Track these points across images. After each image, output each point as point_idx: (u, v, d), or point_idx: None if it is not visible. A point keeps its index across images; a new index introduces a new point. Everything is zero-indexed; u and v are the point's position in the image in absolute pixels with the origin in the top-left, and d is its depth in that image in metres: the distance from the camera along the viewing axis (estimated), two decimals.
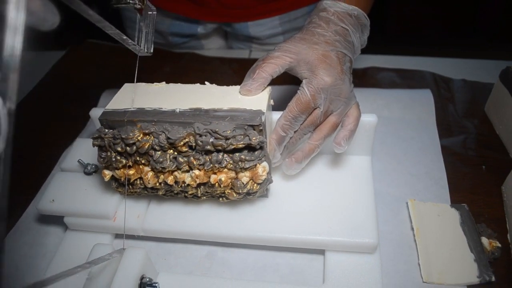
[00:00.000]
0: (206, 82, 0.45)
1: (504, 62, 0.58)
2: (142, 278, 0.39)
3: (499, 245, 0.43)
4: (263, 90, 0.42)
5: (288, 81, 0.64)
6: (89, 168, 0.48)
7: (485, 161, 0.53)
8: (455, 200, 0.48)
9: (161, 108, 0.41)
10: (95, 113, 0.52)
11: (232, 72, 0.72)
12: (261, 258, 0.45)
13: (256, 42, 0.78)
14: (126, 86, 0.46)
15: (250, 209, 0.44)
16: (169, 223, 0.45)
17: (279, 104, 0.49)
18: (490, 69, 0.61)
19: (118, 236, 0.47)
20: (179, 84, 0.46)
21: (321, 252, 0.44)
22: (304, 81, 0.41)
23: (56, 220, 0.49)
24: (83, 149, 0.51)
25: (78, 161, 0.49)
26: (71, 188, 0.47)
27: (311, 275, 0.43)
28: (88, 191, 0.47)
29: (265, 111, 0.40)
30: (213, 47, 0.83)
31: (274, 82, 0.66)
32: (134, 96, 0.43)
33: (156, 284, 0.39)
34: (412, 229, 0.46)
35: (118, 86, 0.45)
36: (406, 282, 0.42)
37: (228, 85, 0.44)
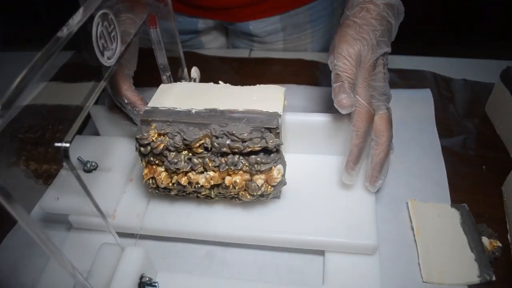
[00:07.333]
0: (220, 82, 0.44)
1: (504, 62, 0.58)
2: (141, 277, 0.38)
3: (500, 245, 0.43)
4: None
5: (301, 81, 0.64)
6: (88, 165, 0.48)
7: (486, 161, 0.53)
8: (455, 200, 0.48)
9: (175, 108, 0.40)
10: (95, 111, 0.52)
11: (233, 72, 0.72)
12: (261, 258, 0.45)
13: (257, 40, 0.78)
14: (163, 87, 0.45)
15: (249, 210, 0.44)
16: (169, 222, 0.44)
17: (293, 105, 0.48)
18: (491, 69, 0.60)
19: (118, 234, 0.47)
20: (191, 83, 0.45)
21: (321, 252, 0.44)
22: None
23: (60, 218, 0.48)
24: (83, 147, 0.51)
25: (78, 158, 0.49)
26: (74, 186, 0.47)
27: (311, 276, 0.43)
28: (89, 189, 0.47)
29: (281, 113, 0.39)
30: (214, 46, 0.83)
31: (288, 81, 0.64)
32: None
33: (156, 284, 0.39)
34: (412, 229, 0.45)
35: None
36: (406, 281, 0.42)
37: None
